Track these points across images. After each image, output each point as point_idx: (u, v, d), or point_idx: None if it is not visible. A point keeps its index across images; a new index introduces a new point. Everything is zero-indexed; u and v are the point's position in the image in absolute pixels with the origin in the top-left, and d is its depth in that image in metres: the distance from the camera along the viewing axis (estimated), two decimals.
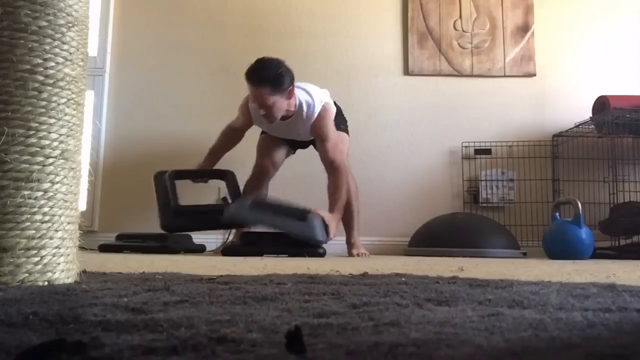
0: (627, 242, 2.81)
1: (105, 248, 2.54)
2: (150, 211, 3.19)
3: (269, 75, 2.34)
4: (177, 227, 2.47)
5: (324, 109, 2.50)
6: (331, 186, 2.48)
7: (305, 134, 2.57)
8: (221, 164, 2.76)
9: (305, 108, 2.48)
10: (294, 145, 2.79)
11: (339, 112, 2.73)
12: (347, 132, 2.76)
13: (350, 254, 2.63)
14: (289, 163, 2.95)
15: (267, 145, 2.70)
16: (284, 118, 2.50)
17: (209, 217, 2.42)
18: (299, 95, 2.48)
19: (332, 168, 2.49)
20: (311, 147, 2.74)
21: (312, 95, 2.50)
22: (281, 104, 2.39)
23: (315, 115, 2.48)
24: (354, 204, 2.66)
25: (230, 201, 2.82)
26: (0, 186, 0.85)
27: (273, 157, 2.70)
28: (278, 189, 3.16)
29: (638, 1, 3.47)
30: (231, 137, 2.69)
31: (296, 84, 2.48)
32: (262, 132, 2.74)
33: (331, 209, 2.44)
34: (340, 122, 2.71)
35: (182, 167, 2.68)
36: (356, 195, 2.69)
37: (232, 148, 2.74)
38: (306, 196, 2.97)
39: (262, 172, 2.68)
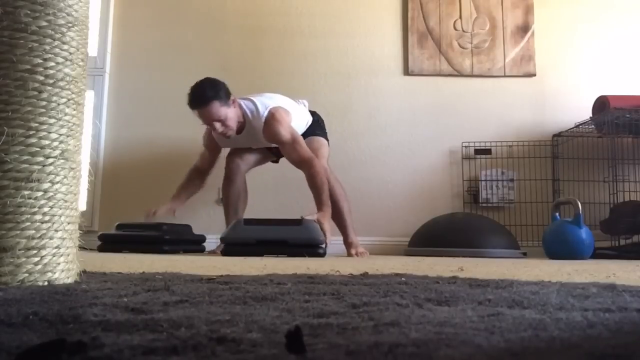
0: (627, 242, 2.81)
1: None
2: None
3: (209, 92, 2.48)
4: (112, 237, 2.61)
5: (271, 114, 2.57)
6: (308, 181, 2.54)
7: (264, 140, 2.64)
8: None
9: (250, 115, 2.59)
10: (273, 152, 2.83)
11: (316, 121, 2.83)
12: (325, 138, 2.82)
13: (349, 254, 2.63)
14: (278, 169, 2.96)
15: (236, 148, 2.80)
16: (239, 131, 2.62)
17: (138, 234, 2.58)
18: (243, 104, 2.60)
19: (301, 164, 2.57)
20: None
21: (255, 103, 2.60)
22: (232, 115, 2.53)
23: (263, 120, 2.57)
24: (343, 205, 2.68)
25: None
26: (0, 186, 0.85)
27: (241, 154, 2.79)
28: (269, 194, 3.17)
29: (638, 1, 3.47)
30: (194, 178, 2.79)
31: (245, 96, 2.64)
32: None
33: (318, 206, 2.48)
34: (316, 129, 2.80)
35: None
36: (344, 197, 2.70)
37: (196, 191, 2.82)
38: (297, 200, 2.99)
39: (230, 166, 2.77)
